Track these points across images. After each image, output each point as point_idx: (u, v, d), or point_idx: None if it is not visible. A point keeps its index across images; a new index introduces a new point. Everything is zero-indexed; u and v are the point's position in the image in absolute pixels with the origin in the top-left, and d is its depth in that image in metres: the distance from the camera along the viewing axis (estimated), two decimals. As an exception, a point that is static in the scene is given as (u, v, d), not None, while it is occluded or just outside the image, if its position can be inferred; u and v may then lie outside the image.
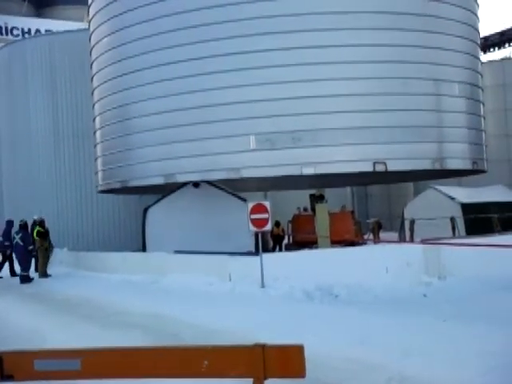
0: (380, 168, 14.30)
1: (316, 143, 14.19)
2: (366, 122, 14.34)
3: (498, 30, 39.01)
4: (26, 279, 16.90)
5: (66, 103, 24.66)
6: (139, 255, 17.37)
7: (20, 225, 18.01)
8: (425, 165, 15.16)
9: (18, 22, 43.11)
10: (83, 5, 41.04)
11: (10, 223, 19.09)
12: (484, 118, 17.39)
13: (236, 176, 14.73)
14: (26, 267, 17.16)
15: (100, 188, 19.24)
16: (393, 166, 14.52)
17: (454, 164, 15.84)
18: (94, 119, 19.13)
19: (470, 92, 16.35)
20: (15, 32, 42.57)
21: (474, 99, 16.60)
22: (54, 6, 47.61)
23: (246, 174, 14.70)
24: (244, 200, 16.47)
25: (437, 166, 15.24)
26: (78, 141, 24.47)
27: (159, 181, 15.93)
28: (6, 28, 42.62)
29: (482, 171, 17.42)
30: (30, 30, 42.76)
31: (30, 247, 17.50)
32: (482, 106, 17.20)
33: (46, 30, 40.10)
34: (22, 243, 17.40)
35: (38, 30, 42.27)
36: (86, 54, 22.76)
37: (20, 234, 17.61)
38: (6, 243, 18.42)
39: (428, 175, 18.53)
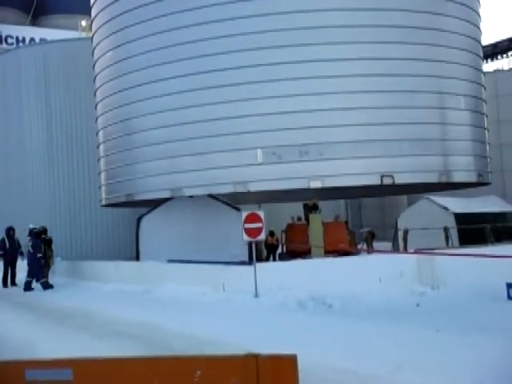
0: (387, 181, 14.36)
1: (323, 156, 14.23)
2: (373, 136, 14.41)
3: (491, 41, 39.22)
4: (47, 285, 16.96)
5: (60, 112, 24.62)
6: (132, 264, 17.30)
7: (35, 232, 17.83)
8: (431, 178, 15.24)
9: (13, 31, 43.08)
10: (78, 14, 41.28)
11: (7, 230, 18.87)
12: (488, 131, 17.50)
13: (243, 190, 14.73)
14: (38, 275, 17.09)
15: (104, 202, 19.15)
16: (400, 179, 14.58)
17: (459, 177, 15.92)
18: (97, 133, 19.09)
19: (474, 105, 16.48)
20: (9, 40, 42.54)
21: (478, 112, 16.73)
22: (49, 15, 47.58)
23: (253, 187, 14.70)
24: (238, 209, 16.45)
25: (443, 179, 15.33)
26: (71, 150, 24.43)
27: (165, 194, 15.91)
28: (0, 37, 42.59)
29: (487, 183, 17.51)
30: (24, 38, 42.72)
31: (39, 255, 17.38)
32: (485, 118, 17.32)
33: (41, 39, 40.12)
34: (32, 250, 17.34)
35: (32, 39, 42.26)
36: (81, 63, 22.85)
37: (31, 242, 17.52)
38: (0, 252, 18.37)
39: (433, 187, 18.57)
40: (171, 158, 15.49)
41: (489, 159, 17.43)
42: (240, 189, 14.72)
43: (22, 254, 18.72)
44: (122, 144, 17.01)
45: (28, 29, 44.61)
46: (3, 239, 18.55)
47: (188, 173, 15.22)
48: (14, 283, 18.42)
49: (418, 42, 14.98)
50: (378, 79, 14.58)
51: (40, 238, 17.79)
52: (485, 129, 17.23)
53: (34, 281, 17.13)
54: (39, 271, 17.18)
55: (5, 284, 18.31)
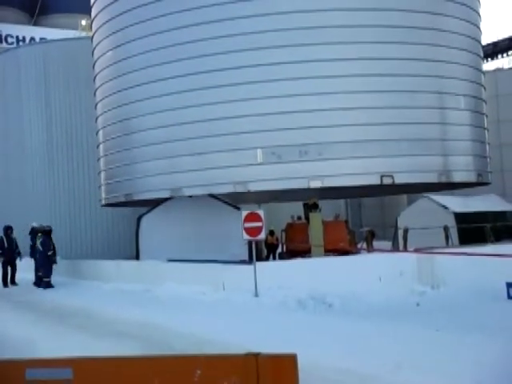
0: (387, 181, 14.36)
1: (323, 156, 14.20)
2: (373, 135, 14.39)
3: (491, 40, 39.22)
4: (48, 285, 17.07)
5: (60, 112, 24.61)
6: (132, 263, 17.30)
7: (44, 230, 17.96)
8: (431, 178, 15.22)
9: (13, 30, 43.11)
10: (78, 13, 41.31)
11: (5, 229, 18.86)
12: (488, 131, 17.50)
13: (243, 190, 14.71)
14: (47, 273, 17.22)
15: (104, 202, 19.16)
16: (400, 179, 14.56)
17: (459, 177, 15.89)
18: (96, 133, 19.08)
19: (474, 105, 16.45)
20: (9, 40, 42.58)
21: (478, 112, 16.71)
22: (49, 15, 47.60)
23: (252, 187, 14.68)
24: (238, 208, 16.46)
25: (443, 179, 15.31)
26: (71, 150, 24.42)
27: (165, 194, 15.91)
28: (0, 36, 42.62)
29: (487, 183, 17.51)
30: (24, 37, 42.76)
31: (50, 252, 17.48)
32: (485, 118, 17.32)
33: (41, 38, 40.14)
34: (41, 248, 17.46)
35: (32, 38, 42.29)
36: (81, 62, 22.83)
37: (41, 240, 17.65)
38: None
39: (433, 187, 18.58)
40: (170, 158, 15.47)
41: (488, 159, 17.43)
42: (240, 189, 14.72)
43: (19, 254, 18.74)
44: (122, 144, 17.00)
45: (28, 28, 44.66)
46: (2, 238, 18.54)
47: (187, 173, 15.20)
48: (14, 282, 18.43)
49: (418, 42, 14.94)
50: (378, 79, 14.56)
51: (50, 236, 17.89)
52: (485, 129, 17.22)
53: (51, 277, 17.30)
54: (47, 270, 17.27)
55: (5, 283, 18.30)
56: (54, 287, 17.04)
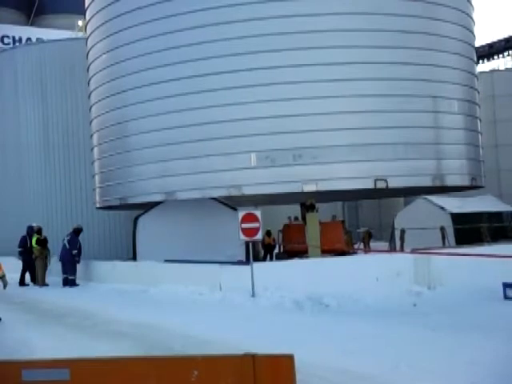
0: (381, 185, 14.36)
1: (317, 160, 14.20)
2: (366, 139, 14.38)
3: (487, 42, 39.32)
4: (73, 283, 17.11)
5: (57, 112, 24.57)
6: (129, 264, 17.29)
7: (74, 229, 18.07)
8: (425, 181, 15.24)
9: (9, 30, 42.95)
10: (74, 14, 41.20)
11: (29, 229, 18.71)
12: (481, 134, 17.54)
13: (237, 193, 14.71)
14: (71, 271, 17.25)
15: (98, 205, 19.14)
16: (393, 183, 14.56)
17: (453, 180, 15.91)
18: (91, 136, 19.04)
19: (467, 109, 16.48)
20: (6, 40, 42.41)
21: (472, 116, 16.75)
22: (46, 15, 47.47)
23: (247, 191, 14.68)
24: (235, 209, 16.45)
25: (437, 183, 15.33)
26: (68, 150, 24.38)
27: (159, 198, 15.90)
28: (-3, 36, 42.48)
29: (480, 187, 17.55)
30: (20, 38, 42.60)
31: (74, 251, 17.50)
32: (479, 122, 17.36)
33: (37, 39, 40.00)
34: (68, 246, 17.56)
35: (28, 39, 42.15)
36: (77, 62, 22.80)
37: (68, 238, 17.78)
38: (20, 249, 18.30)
39: (426, 190, 18.62)
40: (164, 162, 15.44)
41: (482, 163, 17.48)
42: (234, 192, 14.73)
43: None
44: (116, 147, 16.96)
45: (25, 29, 44.49)
46: (25, 237, 18.44)
47: (182, 176, 15.17)
48: (34, 281, 18.15)
49: (411, 46, 14.93)
50: (372, 83, 14.54)
51: (78, 235, 17.99)
52: (478, 132, 17.27)
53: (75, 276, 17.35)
54: (71, 268, 17.28)
55: (22, 282, 18.08)
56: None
